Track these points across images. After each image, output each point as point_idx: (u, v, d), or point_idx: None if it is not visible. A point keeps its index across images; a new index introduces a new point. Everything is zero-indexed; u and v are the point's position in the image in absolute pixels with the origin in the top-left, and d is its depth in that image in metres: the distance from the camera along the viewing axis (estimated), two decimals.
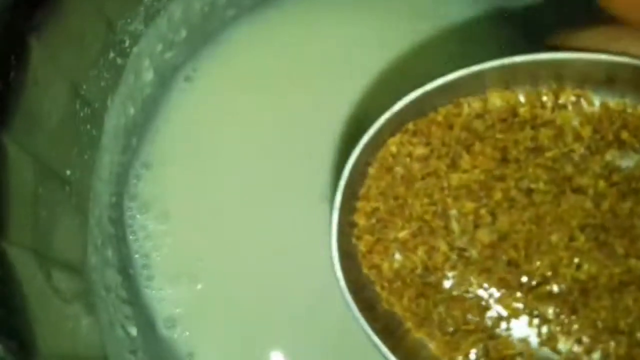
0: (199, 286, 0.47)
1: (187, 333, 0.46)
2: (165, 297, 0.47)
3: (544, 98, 0.35)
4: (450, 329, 0.35)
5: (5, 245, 0.30)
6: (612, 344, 0.33)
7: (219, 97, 0.53)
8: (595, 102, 0.35)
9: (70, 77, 0.38)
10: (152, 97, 0.50)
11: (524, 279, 0.34)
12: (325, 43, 0.55)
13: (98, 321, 0.38)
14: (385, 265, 0.37)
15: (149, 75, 0.49)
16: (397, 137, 0.38)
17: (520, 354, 0.35)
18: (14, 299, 0.29)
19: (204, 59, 0.54)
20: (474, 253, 0.35)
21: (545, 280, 0.34)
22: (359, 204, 0.39)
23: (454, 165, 0.36)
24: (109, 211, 0.46)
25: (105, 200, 0.45)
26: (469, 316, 0.35)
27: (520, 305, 0.35)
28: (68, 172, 0.39)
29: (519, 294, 0.35)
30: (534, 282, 0.34)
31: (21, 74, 0.33)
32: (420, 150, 0.37)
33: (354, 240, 0.38)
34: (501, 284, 0.35)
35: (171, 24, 0.48)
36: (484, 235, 0.35)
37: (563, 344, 0.34)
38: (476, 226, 0.35)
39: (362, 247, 0.38)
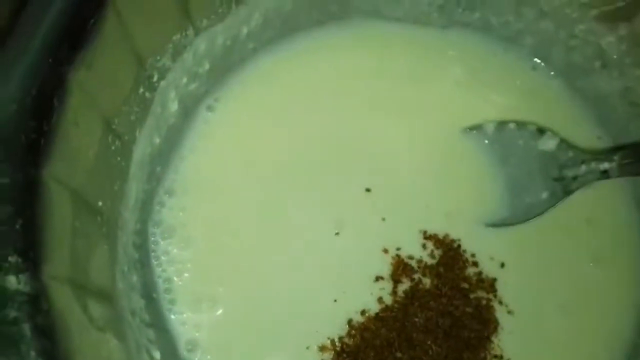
0: (220, 311, 0.49)
1: (209, 357, 0.48)
2: (187, 320, 0.49)
3: None
4: None
5: (47, 279, 0.32)
6: None
7: (240, 126, 0.55)
8: None
9: (105, 114, 0.40)
10: (176, 127, 0.52)
11: None
12: (340, 73, 0.58)
13: (127, 346, 0.40)
14: None
15: (174, 106, 0.51)
16: None
17: None
18: (57, 332, 0.31)
19: (226, 89, 0.56)
20: None
21: None
22: None
23: None
24: (134, 237, 0.48)
25: (130, 227, 0.47)
26: None
27: None
28: (100, 203, 0.41)
29: None
30: None
31: (62, 115, 0.34)
32: None
33: None
34: None
35: (196, 58, 0.50)
36: None
37: None
38: None
39: None
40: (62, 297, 0.33)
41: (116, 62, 0.40)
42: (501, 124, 0.54)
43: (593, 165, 0.49)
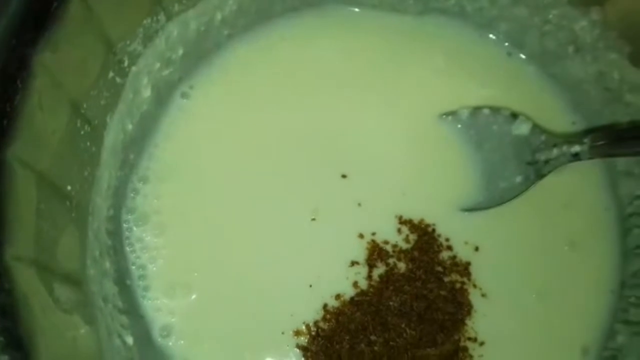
0: (194, 296, 0.49)
1: (182, 342, 0.48)
2: (161, 307, 0.49)
3: None
4: None
5: (10, 260, 0.32)
6: None
7: (215, 113, 0.55)
8: None
9: (72, 98, 0.39)
10: (149, 114, 0.52)
11: None
12: (316, 60, 0.58)
13: (96, 331, 0.40)
14: None
15: (146, 93, 0.50)
16: None
17: None
18: (19, 311, 0.31)
19: (200, 76, 0.56)
20: None
21: None
22: None
23: None
24: (107, 224, 0.48)
25: (103, 214, 0.47)
26: None
27: None
28: (69, 188, 0.41)
29: None
30: None
31: (26, 96, 0.34)
32: None
33: None
34: None
35: (168, 43, 0.50)
36: None
37: None
38: None
39: None
40: (26, 278, 0.33)
41: (83, 45, 0.39)
42: (476, 110, 0.54)
43: (564, 148, 0.49)
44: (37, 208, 0.36)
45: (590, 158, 0.48)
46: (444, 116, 0.55)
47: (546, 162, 0.50)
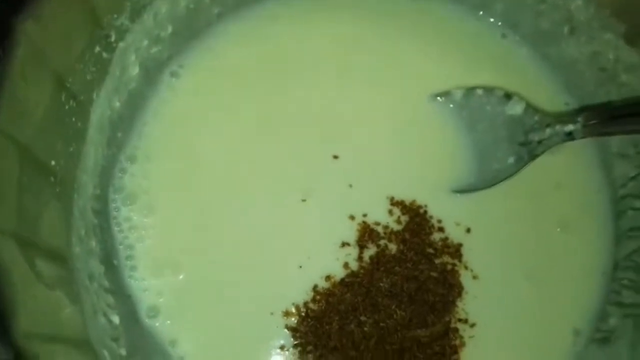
0: (181, 276, 0.48)
1: (169, 322, 0.47)
2: (148, 287, 0.48)
3: None
4: None
5: None
6: None
7: (205, 93, 0.54)
8: None
9: (57, 70, 0.39)
10: (138, 92, 0.51)
11: None
12: (308, 40, 0.57)
13: (81, 309, 0.39)
14: None
15: (134, 70, 0.49)
16: None
17: None
18: None
19: (190, 55, 0.55)
20: None
21: None
22: None
23: None
24: (93, 202, 0.47)
25: (89, 192, 0.46)
26: None
27: None
28: (53, 163, 0.40)
29: None
30: None
31: (9, 65, 0.33)
32: None
33: None
34: None
35: (157, 20, 0.49)
36: None
37: None
38: None
39: None
40: (6, 251, 0.32)
41: (68, 16, 0.39)
42: (469, 90, 0.53)
43: (557, 127, 0.48)
44: (19, 181, 0.35)
45: (583, 137, 0.47)
46: (437, 97, 0.54)
47: (539, 142, 0.49)
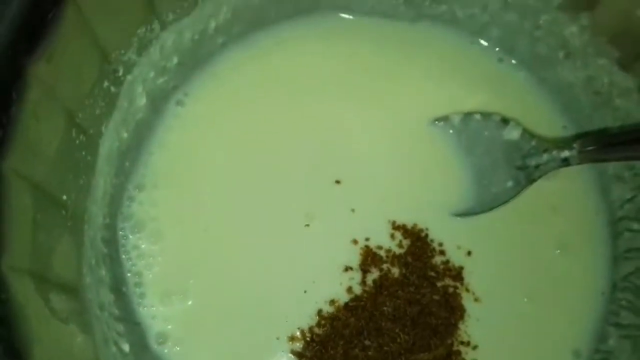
0: (190, 303, 0.50)
1: (178, 348, 0.48)
2: (157, 314, 0.49)
3: None
4: None
5: (6, 269, 0.32)
6: None
7: (210, 120, 0.56)
8: None
9: (67, 108, 0.40)
10: (145, 121, 0.52)
11: None
12: (310, 68, 0.58)
13: (93, 339, 0.40)
14: None
15: (142, 101, 0.51)
16: None
17: None
18: (15, 321, 0.31)
19: (195, 84, 0.56)
20: None
21: None
22: None
23: None
24: (103, 232, 0.48)
25: (99, 222, 0.47)
26: None
27: None
28: (65, 197, 0.41)
29: None
30: None
31: (21, 107, 0.35)
32: None
33: None
34: None
35: (163, 52, 0.50)
36: None
37: None
38: None
39: None
40: (22, 288, 0.33)
41: (78, 56, 0.40)
42: (467, 115, 0.55)
43: (554, 153, 0.49)
44: (34, 218, 0.36)
45: (579, 163, 0.48)
46: (436, 122, 0.56)
47: (536, 167, 0.50)
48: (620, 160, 0.49)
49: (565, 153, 0.49)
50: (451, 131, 0.55)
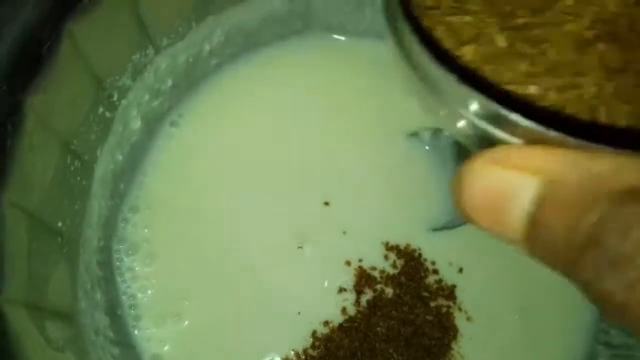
0: (185, 325, 0.50)
1: None
2: (152, 336, 0.49)
3: None
4: None
5: (3, 303, 0.32)
6: None
7: (203, 141, 0.56)
8: None
9: (62, 136, 0.40)
10: (139, 144, 0.53)
11: None
12: (301, 89, 0.59)
13: None
14: None
15: (136, 124, 0.51)
16: None
17: None
18: (13, 353, 0.31)
19: (189, 105, 0.57)
20: None
21: None
22: None
23: None
24: (98, 255, 0.48)
25: (94, 245, 0.48)
26: None
27: None
28: (60, 224, 0.41)
29: None
30: None
31: (17, 140, 0.35)
32: None
33: None
34: None
35: (157, 76, 0.51)
36: None
37: None
38: None
39: None
40: (18, 320, 0.33)
41: (73, 85, 0.40)
42: (437, 130, 0.55)
43: None
44: (29, 248, 0.36)
45: None
46: (411, 136, 0.56)
47: None
48: None
49: None
50: (427, 147, 0.55)
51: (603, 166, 0.18)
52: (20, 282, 0.35)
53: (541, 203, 0.20)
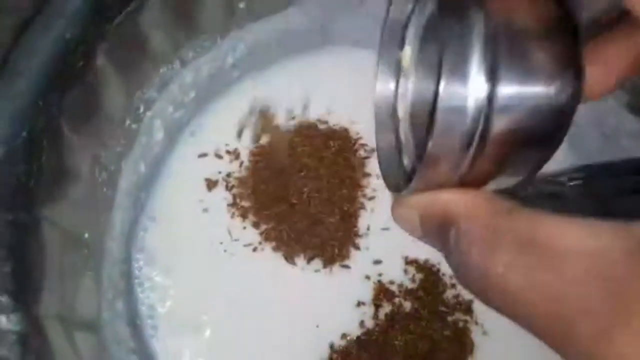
0: (202, 336, 0.50)
1: None
2: (169, 347, 0.50)
3: None
4: None
5: (38, 318, 0.33)
6: None
7: (223, 150, 0.56)
8: None
9: (94, 151, 0.40)
10: (161, 154, 0.53)
11: None
12: (322, 102, 0.59)
13: None
14: None
15: (159, 135, 0.51)
16: None
17: None
18: None
19: (209, 115, 0.57)
20: None
21: None
22: None
23: None
24: (120, 265, 0.48)
25: (115, 256, 0.48)
26: None
27: None
28: (86, 235, 0.42)
29: None
30: None
31: (52, 156, 0.35)
32: None
33: None
34: None
35: (182, 88, 0.51)
36: None
37: None
38: None
39: None
40: (51, 334, 0.34)
41: (104, 99, 0.41)
42: None
43: (540, 187, 0.50)
44: (60, 262, 0.37)
45: (569, 198, 0.49)
46: None
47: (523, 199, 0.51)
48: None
49: (555, 188, 0.50)
50: None
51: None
52: (54, 295, 0.35)
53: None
